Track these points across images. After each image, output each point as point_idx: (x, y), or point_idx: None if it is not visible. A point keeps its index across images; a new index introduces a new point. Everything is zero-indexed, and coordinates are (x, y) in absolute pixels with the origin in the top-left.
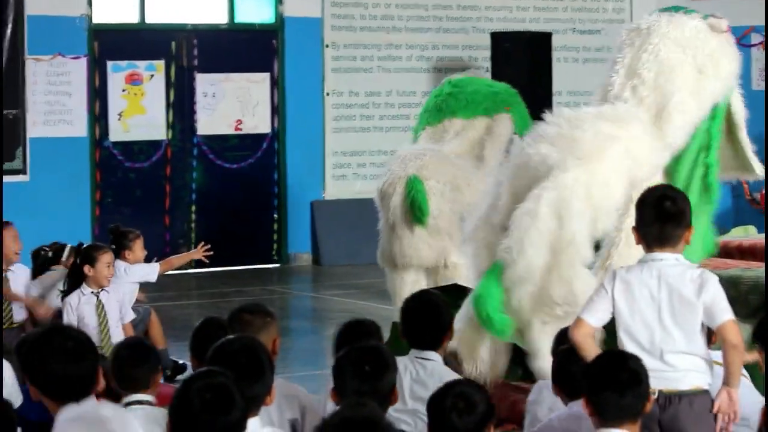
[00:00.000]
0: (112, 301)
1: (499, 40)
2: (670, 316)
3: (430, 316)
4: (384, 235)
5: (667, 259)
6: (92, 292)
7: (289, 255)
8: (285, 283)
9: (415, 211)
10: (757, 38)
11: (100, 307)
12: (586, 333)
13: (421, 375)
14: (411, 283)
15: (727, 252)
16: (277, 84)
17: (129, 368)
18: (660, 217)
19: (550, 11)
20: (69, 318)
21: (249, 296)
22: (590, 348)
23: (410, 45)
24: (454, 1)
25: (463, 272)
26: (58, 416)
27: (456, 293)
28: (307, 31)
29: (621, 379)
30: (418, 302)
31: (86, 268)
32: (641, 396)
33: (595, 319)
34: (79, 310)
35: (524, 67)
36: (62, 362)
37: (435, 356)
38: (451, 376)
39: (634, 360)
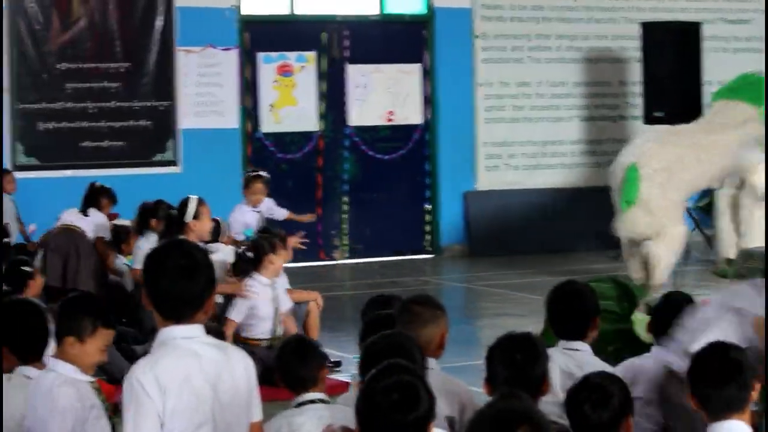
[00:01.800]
0: (281, 290)
1: (650, 30)
2: None
3: (575, 305)
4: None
5: None
6: (268, 284)
7: (442, 245)
8: (438, 273)
9: (623, 195)
10: None
11: (275, 299)
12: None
13: (570, 366)
14: (635, 253)
15: None
16: (427, 75)
17: (296, 369)
18: None
19: (700, 1)
20: (242, 306)
21: (402, 287)
22: None
23: (560, 35)
24: None
25: (681, 240)
26: (159, 334)
27: (609, 285)
28: (458, 21)
29: (721, 370)
30: (562, 291)
31: (271, 258)
32: (744, 386)
33: None
34: (255, 300)
35: (674, 57)
36: (173, 279)
37: (583, 346)
38: (601, 366)
39: (735, 350)
